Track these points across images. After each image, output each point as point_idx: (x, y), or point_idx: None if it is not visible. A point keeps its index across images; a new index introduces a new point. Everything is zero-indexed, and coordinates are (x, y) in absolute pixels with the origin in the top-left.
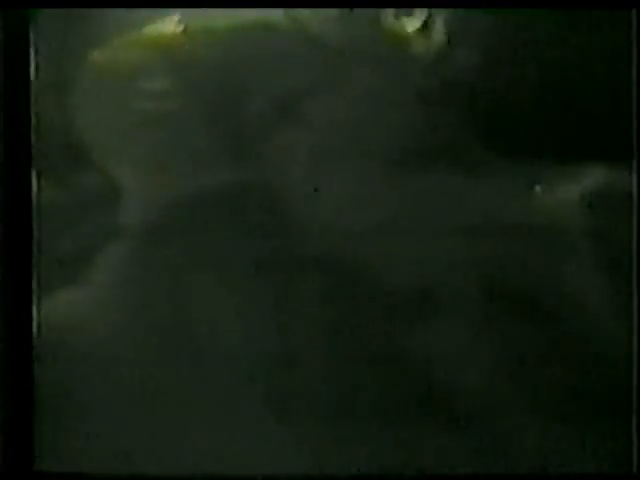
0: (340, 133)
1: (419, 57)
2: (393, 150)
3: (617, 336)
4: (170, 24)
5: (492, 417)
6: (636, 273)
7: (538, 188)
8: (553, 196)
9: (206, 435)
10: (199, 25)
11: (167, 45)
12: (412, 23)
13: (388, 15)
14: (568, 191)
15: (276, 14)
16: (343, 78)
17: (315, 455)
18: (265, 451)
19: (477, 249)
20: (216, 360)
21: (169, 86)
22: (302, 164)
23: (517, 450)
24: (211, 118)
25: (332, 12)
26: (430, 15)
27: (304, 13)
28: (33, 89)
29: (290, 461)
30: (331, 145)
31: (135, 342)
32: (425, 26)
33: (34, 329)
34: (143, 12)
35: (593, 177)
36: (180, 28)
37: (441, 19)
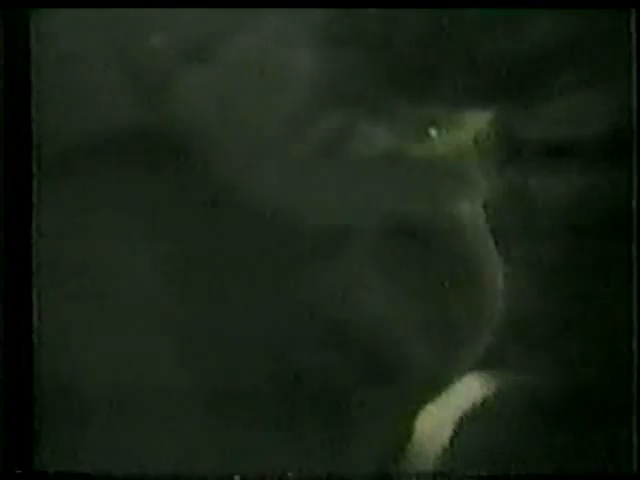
0: (249, 76)
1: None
2: (300, 92)
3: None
4: None
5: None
6: (636, 272)
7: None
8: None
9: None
10: None
11: None
12: None
13: None
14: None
15: None
16: (253, 19)
17: None
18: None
19: (382, 185)
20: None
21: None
22: (211, 105)
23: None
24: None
25: None
26: None
27: None
28: (34, 90)
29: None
30: (239, 87)
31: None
32: None
33: (34, 329)
34: None
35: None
36: None
37: None
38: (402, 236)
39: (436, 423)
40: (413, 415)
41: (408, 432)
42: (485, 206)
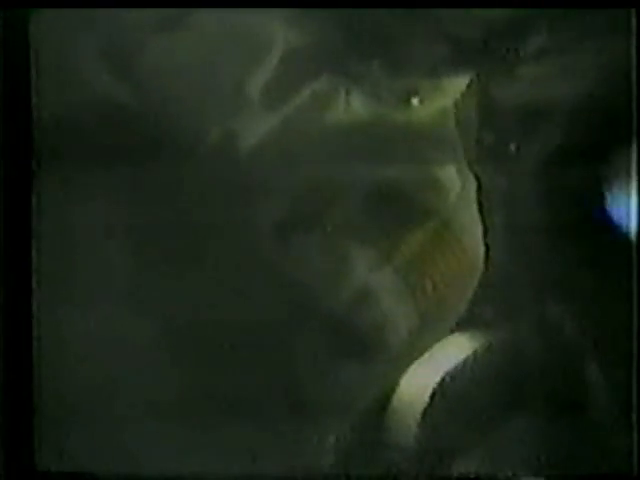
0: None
1: None
2: (278, 68)
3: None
4: None
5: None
6: (636, 273)
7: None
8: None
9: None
10: None
11: None
12: None
13: None
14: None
15: None
16: None
17: None
18: None
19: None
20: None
21: None
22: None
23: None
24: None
25: None
26: None
27: None
28: (33, 88)
29: None
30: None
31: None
32: None
33: (34, 330)
34: None
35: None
36: None
37: None
38: (384, 201)
39: (418, 383)
40: (397, 376)
41: (389, 395)
42: (467, 170)
